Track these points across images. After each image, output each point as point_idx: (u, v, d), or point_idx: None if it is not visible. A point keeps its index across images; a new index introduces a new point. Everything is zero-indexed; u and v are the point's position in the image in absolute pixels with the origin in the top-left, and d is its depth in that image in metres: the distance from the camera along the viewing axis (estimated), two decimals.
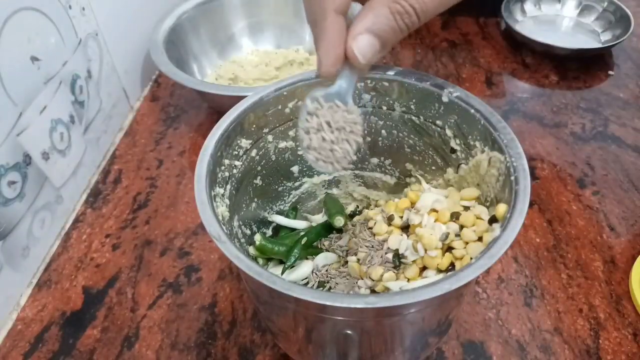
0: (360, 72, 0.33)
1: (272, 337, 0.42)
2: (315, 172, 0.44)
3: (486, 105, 0.35)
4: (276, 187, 0.43)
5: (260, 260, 0.40)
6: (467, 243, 0.34)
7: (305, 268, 0.38)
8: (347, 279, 0.37)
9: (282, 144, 0.41)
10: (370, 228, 0.39)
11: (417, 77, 0.37)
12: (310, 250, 0.40)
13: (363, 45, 0.29)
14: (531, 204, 0.51)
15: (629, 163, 0.55)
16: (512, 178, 0.31)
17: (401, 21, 0.28)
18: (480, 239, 0.34)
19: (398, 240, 0.35)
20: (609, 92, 0.64)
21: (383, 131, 0.41)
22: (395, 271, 0.35)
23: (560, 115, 0.61)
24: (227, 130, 0.36)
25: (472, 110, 0.35)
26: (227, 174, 0.36)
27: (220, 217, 0.33)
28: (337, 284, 0.37)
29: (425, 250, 0.34)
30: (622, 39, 0.67)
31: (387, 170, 0.44)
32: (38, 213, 0.48)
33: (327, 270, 0.38)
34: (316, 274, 0.38)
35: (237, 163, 0.38)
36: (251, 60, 0.70)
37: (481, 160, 0.35)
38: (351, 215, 0.44)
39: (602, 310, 0.43)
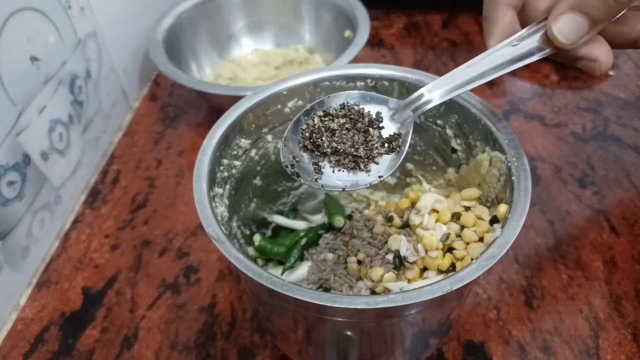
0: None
1: (272, 338, 0.42)
2: None
3: (487, 104, 0.35)
4: (276, 187, 0.43)
5: (260, 261, 0.40)
6: (467, 243, 0.34)
7: (304, 269, 0.38)
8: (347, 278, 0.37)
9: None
10: (371, 228, 0.38)
11: (418, 77, 0.37)
12: (310, 250, 0.40)
13: (565, 26, 0.26)
14: (532, 204, 0.51)
15: (629, 163, 0.55)
16: (513, 178, 0.31)
17: None
18: (481, 239, 0.34)
19: (398, 241, 0.35)
20: (609, 92, 0.64)
21: None
22: (396, 272, 0.35)
23: (561, 115, 0.61)
24: (226, 130, 0.36)
25: (473, 110, 0.35)
26: (226, 174, 0.36)
27: (220, 218, 0.33)
28: (336, 280, 0.37)
29: (426, 251, 0.34)
30: None
31: None
32: (37, 213, 0.48)
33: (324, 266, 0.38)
34: (314, 271, 0.38)
35: (236, 163, 0.38)
36: (250, 60, 0.70)
37: (482, 160, 0.35)
38: (350, 216, 0.44)
39: (602, 310, 0.43)
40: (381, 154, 0.30)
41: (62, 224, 0.53)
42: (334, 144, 0.30)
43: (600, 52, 0.28)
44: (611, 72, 0.67)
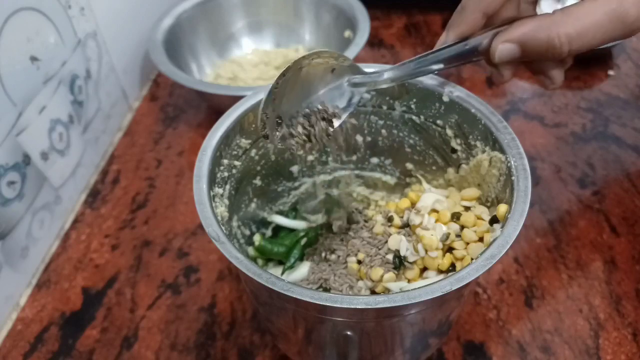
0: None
1: (272, 338, 0.42)
2: (315, 172, 0.44)
3: (487, 104, 0.35)
4: (276, 187, 0.43)
5: (260, 261, 0.40)
6: (467, 243, 0.34)
7: (304, 269, 0.38)
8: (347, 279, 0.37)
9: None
10: (371, 228, 0.38)
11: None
12: (310, 250, 0.40)
13: (506, 51, 0.31)
14: (532, 204, 0.51)
15: (629, 163, 0.55)
16: (513, 178, 0.31)
17: (551, 53, 0.29)
18: (481, 239, 0.34)
19: (398, 241, 0.35)
20: (609, 92, 0.64)
21: (383, 131, 0.41)
22: (396, 272, 0.35)
23: (561, 115, 0.61)
24: (226, 130, 0.35)
25: (473, 110, 0.35)
26: (226, 174, 0.36)
27: (220, 218, 0.33)
28: (336, 280, 0.37)
29: (426, 251, 0.34)
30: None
31: (387, 170, 0.44)
32: (37, 213, 0.48)
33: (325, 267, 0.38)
34: (314, 272, 0.38)
35: (236, 163, 0.38)
36: (250, 60, 0.70)
37: (482, 160, 0.35)
38: (351, 216, 0.44)
39: (602, 310, 0.43)
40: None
41: (62, 224, 0.53)
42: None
43: (557, 74, 0.33)
44: (611, 72, 0.67)
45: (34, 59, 0.47)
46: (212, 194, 0.33)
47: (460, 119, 0.37)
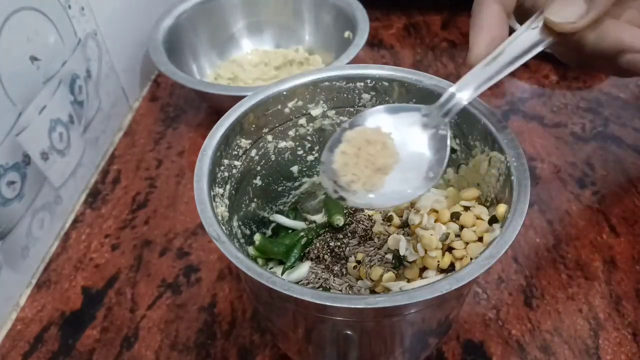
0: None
1: (272, 338, 0.42)
2: (315, 172, 0.44)
3: (486, 105, 0.35)
4: (276, 187, 0.43)
5: (260, 261, 0.40)
6: (467, 243, 0.34)
7: (304, 268, 0.38)
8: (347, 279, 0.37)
9: (282, 144, 0.41)
10: (370, 228, 0.38)
11: (417, 77, 0.37)
12: (310, 249, 0.40)
13: (559, 6, 0.26)
14: (531, 204, 0.51)
15: (629, 163, 0.55)
16: (513, 178, 0.31)
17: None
18: (480, 239, 0.34)
19: (397, 241, 0.35)
20: (609, 92, 0.64)
21: None
22: (395, 271, 0.35)
23: (560, 115, 0.61)
24: (226, 130, 0.36)
25: (472, 110, 0.35)
26: (226, 174, 0.36)
27: (220, 217, 0.33)
28: (335, 280, 0.37)
29: (425, 251, 0.34)
30: None
31: None
32: (37, 213, 0.48)
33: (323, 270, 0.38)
34: (314, 271, 0.38)
35: (236, 163, 0.38)
36: (250, 60, 0.70)
37: (481, 160, 0.35)
38: (351, 215, 0.43)
39: (602, 310, 0.43)
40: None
41: (62, 224, 0.53)
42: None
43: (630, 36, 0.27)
44: None
45: (34, 59, 0.47)
46: (212, 193, 0.33)
47: (459, 119, 0.37)
